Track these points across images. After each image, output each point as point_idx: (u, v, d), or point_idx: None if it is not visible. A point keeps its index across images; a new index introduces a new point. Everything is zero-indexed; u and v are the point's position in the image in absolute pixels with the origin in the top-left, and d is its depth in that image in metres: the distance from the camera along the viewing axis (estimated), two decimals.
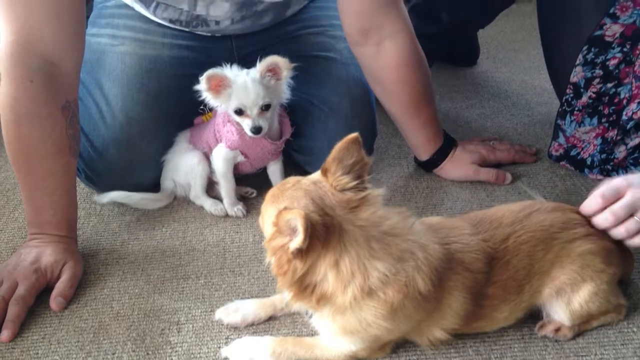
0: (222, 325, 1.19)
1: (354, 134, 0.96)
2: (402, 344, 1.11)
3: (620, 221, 1.08)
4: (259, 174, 1.59)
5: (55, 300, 1.24)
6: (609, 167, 1.54)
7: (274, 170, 1.55)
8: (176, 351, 1.14)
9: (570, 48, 1.55)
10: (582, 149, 1.58)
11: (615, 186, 1.10)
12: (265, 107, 1.39)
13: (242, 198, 1.56)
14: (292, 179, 1.01)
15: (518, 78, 2.17)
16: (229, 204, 1.50)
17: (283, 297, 1.18)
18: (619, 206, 1.08)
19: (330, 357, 1.08)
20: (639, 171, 1.51)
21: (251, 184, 1.58)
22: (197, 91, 1.52)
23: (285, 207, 0.91)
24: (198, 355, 1.13)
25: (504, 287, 1.04)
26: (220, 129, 1.47)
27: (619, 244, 1.11)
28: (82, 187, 1.61)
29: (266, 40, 1.57)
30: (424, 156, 1.58)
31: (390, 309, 0.96)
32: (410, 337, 1.09)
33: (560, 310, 1.07)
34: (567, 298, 1.06)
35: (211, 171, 1.52)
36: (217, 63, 1.57)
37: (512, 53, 2.40)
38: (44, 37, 1.23)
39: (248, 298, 1.24)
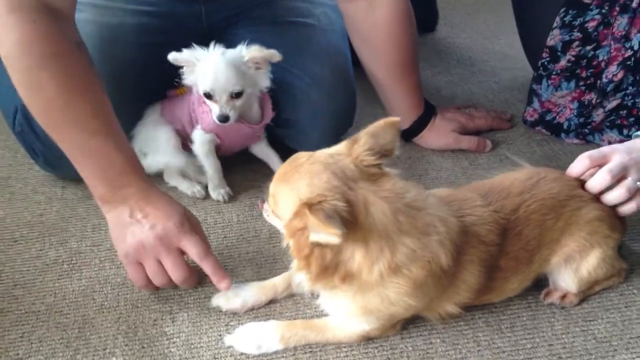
0: (220, 312, 1.12)
1: (396, 119, 0.91)
2: (412, 320, 1.08)
3: (616, 180, 1.07)
4: (237, 155, 1.50)
5: (224, 280, 1.09)
6: (585, 131, 1.56)
7: (260, 148, 1.47)
8: (174, 342, 1.07)
9: (546, 11, 1.54)
10: (558, 113, 1.59)
11: (600, 150, 1.10)
12: (236, 95, 1.29)
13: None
14: (303, 154, 0.95)
15: (478, 43, 2.17)
16: (213, 187, 1.41)
17: (284, 279, 1.14)
18: (613, 165, 1.06)
19: (342, 338, 1.04)
20: (615, 134, 1.53)
21: (232, 165, 1.49)
22: (166, 62, 1.42)
23: (315, 204, 0.82)
24: (198, 345, 1.06)
25: (516, 259, 1.03)
26: (196, 108, 1.38)
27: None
28: (37, 171, 1.49)
29: (238, 6, 1.48)
30: (405, 124, 1.55)
31: (413, 285, 0.92)
32: (421, 313, 1.06)
33: (568, 278, 1.07)
34: (576, 265, 1.06)
35: (192, 153, 1.42)
36: (184, 31, 1.47)
37: (467, 18, 2.39)
38: None
39: (242, 282, 1.17)
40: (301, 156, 0.94)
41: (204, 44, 1.36)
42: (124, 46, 1.42)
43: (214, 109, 1.30)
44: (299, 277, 0.96)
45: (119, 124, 1.13)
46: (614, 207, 1.09)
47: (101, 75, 1.15)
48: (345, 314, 1.00)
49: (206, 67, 1.27)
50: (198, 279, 1.13)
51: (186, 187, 1.44)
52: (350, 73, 1.52)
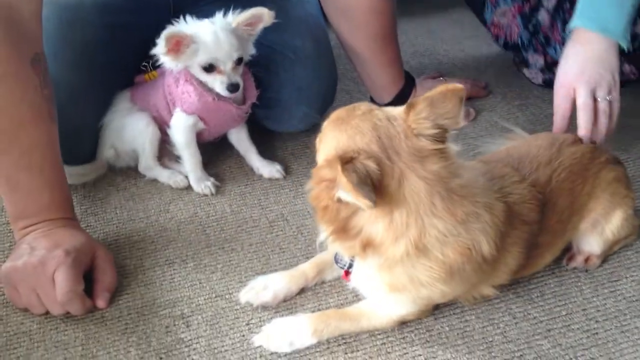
0: (236, 310, 1.03)
1: (461, 86, 0.82)
2: None
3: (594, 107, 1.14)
4: (218, 143, 1.40)
5: (101, 296, 1.02)
6: (542, 40, 1.57)
7: (239, 138, 1.37)
8: (194, 349, 0.97)
9: None
10: (507, 34, 1.62)
11: (563, 94, 1.17)
12: (238, 62, 1.21)
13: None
14: (365, 106, 0.87)
15: (436, 14, 2.14)
16: (195, 179, 1.30)
17: (313, 265, 1.07)
18: (583, 100, 1.14)
19: (378, 325, 0.98)
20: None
21: (211, 154, 1.39)
22: (133, 44, 1.30)
23: (344, 161, 0.77)
24: (222, 349, 0.97)
25: (552, 233, 1.01)
26: (173, 90, 1.26)
27: None
28: None
29: None
30: (387, 98, 1.49)
31: (448, 271, 0.88)
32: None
33: (594, 241, 1.07)
34: (601, 228, 1.05)
35: (169, 142, 1.31)
36: (150, 9, 1.35)
37: None
38: None
39: (252, 275, 1.09)
40: (359, 108, 0.87)
41: (171, 22, 1.25)
42: (84, 28, 1.29)
43: (220, 81, 1.20)
44: (322, 235, 0.90)
45: (58, 155, 1.09)
46: None
47: (53, 100, 1.09)
48: (375, 289, 0.94)
49: (205, 37, 1.17)
50: (84, 304, 1.01)
51: (167, 177, 1.33)
52: (329, 45, 1.45)
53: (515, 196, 0.96)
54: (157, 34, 1.31)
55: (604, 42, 1.15)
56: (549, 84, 1.67)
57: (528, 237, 0.97)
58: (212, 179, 1.32)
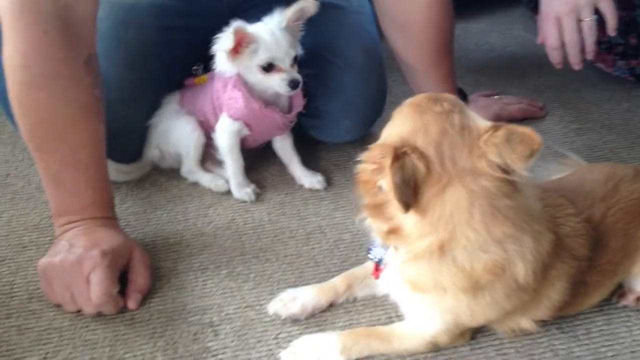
0: (266, 322, 1.01)
1: (540, 141, 0.79)
2: (480, 328, 0.99)
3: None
4: (262, 150, 1.39)
5: (133, 297, 1.03)
6: None
7: (283, 146, 1.35)
8: (220, 359, 0.95)
9: None
10: None
11: (549, 27, 1.27)
12: (294, 59, 1.20)
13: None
14: (447, 104, 0.84)
15: (495, 28, 2.08)
16: (236, 185, 1.29)
17: (343, 280, 1.05)
18: (569, 35, 1.24)
19: (408, 346, 0.94)
20: None
21: (254, 160, 1.38)
22: (186, 48, 1.30)
23: (397, 155, 0.77)
24: None
25: (602, 273, 0.95)
26: (221, 95, 1.26)
27: None
28: None
29: None
30: None
31: (473, 283, 0.84)
32: (491, 324, 0.97)
33: None
34: None
35: (213, 147, 1.30)
36: (205, 14, 1.36)
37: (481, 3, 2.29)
38: None
39: (284, 287, 1.07)
40: (443, 105, 0.83)
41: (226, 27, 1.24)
42: (139, 29, 1.30)
43: (280, 78, 1.19)
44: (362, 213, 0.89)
45: (103, 155, 1.10)
46: None
47: (103, 100, 1.10)
48: (397, 289, 0.92)
49: (264, 36, 1.16)
50: (117, 306, 1.01)
51: (208, 181, 1.32)
52: (382, 57, 1.42)
53: (567, 228, 0.92)
54: (210, 38, 1.31)
55: None
56: None
57: (575, 274, 0.91)
58: (253, 186, 1.31)
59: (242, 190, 1.29)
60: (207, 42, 1.36)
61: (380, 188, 0.82)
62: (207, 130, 1.30)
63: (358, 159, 0.84)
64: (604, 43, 1.60)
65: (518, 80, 1.75)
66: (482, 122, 0.83)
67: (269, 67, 1.19)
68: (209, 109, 1.28)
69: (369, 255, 0.96)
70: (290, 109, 1.29)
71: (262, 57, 1.17)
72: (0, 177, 1.37)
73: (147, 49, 1.30)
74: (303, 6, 1.18)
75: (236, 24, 1.14)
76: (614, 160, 1.40)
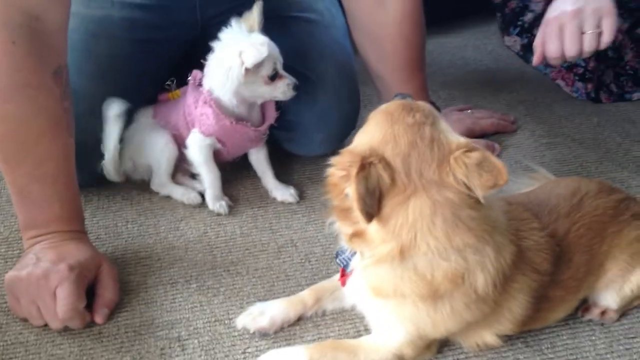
0: (234, 337, 1.01)
1: (505, 179, 0.81)
2: (447, 342, 0.99)
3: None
4: (236, 163, 1.38)
5: (100, 312, 1.02)
6: None
7: (258, 158, 1.35)
8: None
9: None
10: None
11: (550, 32, 1.22)
12: None
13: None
14: (419, 115, 0.85)
15: (470, 43, 2.10)
16: (211, 197, 1.29)
17: (312, 293, 1.06)
18: (569, 45, 1.19)
19: (376, 359, 0.94)
20: None
21: (228, 174, 1.37)
22: (157, 58, 1.30)
23: (363, 165, 0.80)
24: None
25: (565, 288, 0.97)
26: (192, 111, 1.26)
27: None
28: None
29: None
30: None
31: (432, 291, 0.86)
32: (455, 338, 0.98)
33: (610, 297, 1.02)
34: (619, 286, 1.01)
35: (186, 161, 1.30)
36: (177, 26, 1.36)
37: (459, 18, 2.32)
38: None
39: (254, 301, 1.07)
40: (415, 117, 0.85)
41: (198, 41, 1.25)
42: (110, 41, 1.30)
43: (285, 84, 1.22)
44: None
45: (72, 168, 1.09)
46: None
47: (72, 113, 1.10)
48: (360, 294, 0.93)
49: (261, 46, 1.16)
50: (83, 320, 1.01)
51: (180, 194, 1.32)
52: (354, 71, 1.43)
53: (530, 242, 0.93)
54: (183, 50, 1.31)
55: None
56: (524, 52, 1.87)
57: (537, 287, 0.93)
58: (226, 198, 1.31)
59: (216, 203, 1.29)
60: (178, 55, 1.37)
61: (347, 195, 0.83)
62: (180, 144, 1.30)
63: (329, 162, 0.85)
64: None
65: (491, 95, 1.77)
66: (454, 137, 0.85)
67: (274, 76, 1.20)
68: (182, 123, 1.28)
69: (337, 260, 0.97)
70: (262, 122, 1.30)
71: (268, 68, 1.19)
72: None
73: (118, 61, 1.29)
74: (260, 9, 1.19)
75: (251, 56, 1.14)
76: (583, 174, 1.42)
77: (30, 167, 1.05)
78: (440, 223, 0.82)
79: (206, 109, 1.23)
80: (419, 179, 0.82)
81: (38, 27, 1.02)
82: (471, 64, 1.97)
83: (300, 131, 1.36)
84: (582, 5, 1.17)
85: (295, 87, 1.23)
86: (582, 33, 1.19)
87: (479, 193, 0.82)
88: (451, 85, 1.83)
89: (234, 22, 1.20)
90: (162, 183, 1.33)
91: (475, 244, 0.85)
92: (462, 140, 0.85)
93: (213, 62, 1.21)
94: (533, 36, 1.62)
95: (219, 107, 1.23)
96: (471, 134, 1.51)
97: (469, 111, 1.61)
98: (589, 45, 1.19)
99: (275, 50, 1.21)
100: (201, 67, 1.25)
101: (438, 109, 1.48)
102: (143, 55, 1.33)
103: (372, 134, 0.85)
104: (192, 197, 1.31)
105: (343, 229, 0.89)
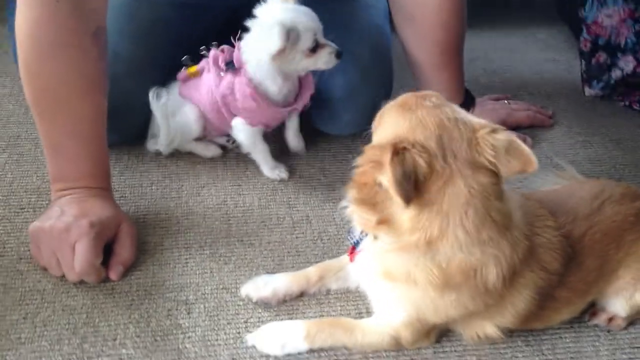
0: (238, 306, 1.04)
1: (535, 168, 0.81)
2: (446, 334, 1.00)
3: None
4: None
5: (115, 269, 1.07)
6: None
7: (290, 126, 1.36)
8: (189, 337, 0.99)
9: None
10: (611, 35, 1.55)
11: None
12: None
13: (223, 148, 1.39)
14: (436, 98, 0.86)
15: (519, 31, 2.05)
16: (268, 169, 1.32)
17: (317, 270, 1.07)
18: None
19: (372, 341, 0.96)
20: None
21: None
22: (197, 24, 1.31)
23: (396, 150, 0.78)
24: (215, 343, 0.98)
25: (573, 290, 0.95)
26: (229, 101, 1.25)
27: None
28: None
29: None
30: None
31: (444, 281, 0.86)
32: (455, 327, 0.98)
33: (619, 304, 1.00)
34: (629, 294, 0.99)
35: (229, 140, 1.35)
36: None
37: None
38: None
39: (262, 273, 1.09)
40: (432, 100, 0.85)
41: (241, 7, 1.25)
42: (152, 5, 1.34)
43: (328, 52, 1.20)
44: (346, 200, 0.90)
45: (104, 128, 1.13)
46: None
47: (107, 73, 1.14)
48: (369, 273, 0.94)
49: (299, 19, 1.16)
50: (99, 276, 1.05)
51: (202, 149, 1.36)
52: (389, 54, 1.42)
53: (542, 239, 0.92)
54: (225, 16, 1.31)
55: None
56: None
57: (544, 285, 0.92)
58: (283, 165, 1.34)
59: (275, 171, 1.32)
60: (220, 21, 1.38)
61: (380, 185, 0.82)
62: (206, 119, 1.31)
63: (354, 164, 0.85)
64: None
65: (533, 86, 1.73)
66: (472, 117, 0.85)
67: (315, 47, 1.18)
68: (205, 102, 1.28)
69: (348, 237, 0.98)
70: (295, 99, 1.30)
71: (307, 40, 1.17)
72: (11, 138, 1.41)
73: (159, 25, 1.32)
74: None
75: (279, 25, 1.12)
76: (616, 177, 1.38)
77: (64, 123, 1.09)
78: (472, 214, 0.82)
79: (249, 103, 1.22)
80: (454, 162, 0.81)
81: None
82: (518, 51, 1.92)
83: (330, 109, 1.37)
84: None
85: (338, 54, 1.21)
86: None
87: (505, 175, 0.82)
88: (494, 72, 1.80)
89: None
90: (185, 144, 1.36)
91: (498, 237, 0.85)
92: (482, 120, 0.85)
93: (250, 44, 1.21)
94: (617, 96, 1.60)
95: (263, 95, 1.22)
96: (504, 124, 1.43)
97: (505, 101, 1.58)
98: None
99: (314, 21, 1.19)
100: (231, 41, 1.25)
101: (473, 97, 1.48)
102: (183, 20, 1.35)
103: (395, 125, 0.84)
104: (212, 150, 1.36)
105: (365, 216, 0.87)
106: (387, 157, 0.77)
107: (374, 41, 1.37)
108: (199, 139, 1.37)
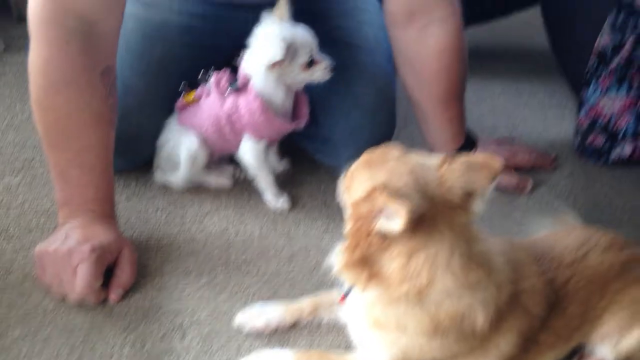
0: (231, 333, 1.07)
1: (499, 164, 0.84)
2: None
3: None
4: None
5: (114, 291, 1.11)
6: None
7: (269, 151, 1.41)
8: None
9: (592, 17, 1.50)
10: (610, 120, 1.54)
11: None
12: None
13: (235, 181, 1.43)
14: (397, 149, 0.88)
15: (528, 74, 2.08)
16: (272, 195, 1.37)
17: (311, 302, 1.10)
18: None
19: None
20: None
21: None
22: (207, 63, 1.37)
23: (389, 189, 0.79)
24: None
25: (556, 335, 0.97)
26: (235, 119, 1.29)
27: None
28: None
29: None
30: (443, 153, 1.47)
31: (434, 328, 0.87)
32: None
33: (605, 350, 1.01)
34: (615, 340, 1.00)
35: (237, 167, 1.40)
36: (228, 33, 1.42)
37: (517, 44, 2.30)
38: None
39: (257, 301, 1.12)
40: (393, 150, 0.88)
41: (244, 47, 1.31)
42: (164, 45, 1.38)
43: (323, 67, 1.27)
44: (334, 259, 0.89)
45: (109, 158, 1.19)
46: None
47: (116, 109, 1.20)
48: (358, 322, 0.95)
49: (297, 35, 1.23)
50: (98, 298, 1.10)
51: (213, 180, 1.41)
52: (393, 96, 1.46)
53: (525, 284, 0.94)
54: (231, 56, 1.37)
55: None
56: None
57: (527, 330, 0.93)
58: (285, 193, 1.38)
59: (279, 200, 1.36)
60: (227, 60, 1.44)
61: (378, 231, 0.81)
62: (209, 144, 1.36)
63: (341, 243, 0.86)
64: None
65: (538, 131, 1.75)
66: (433, 158, 0.87)
67: (311, 62, 1.25)
68: (208, 125, 1.32)
69: (339, 286, 0.99)
70: (293, 118, 1.36)
71: (304, 56, 1.24)
72: (26, 161, 1.47)
73: (170, 63, 1.37)
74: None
75: (281, 35, 1.20)
76: (614, 223, 1.39)
77: (72, 154, 1.14)
78: (458, 258, 0.83)
79: (257, 116, 1.27)
80: (433, 205, 0.82)
81: (91, 31, 1.11)
82: (524, 94, 1.95)
83: (331, 146, 1.41)
84: None
85: (332, 69, 1.28)
86: None
87: (485, 187, 0.83)
88: (499, 114, 1.83)
89: (264, 16, 1.26)
90: (192, 178, 1.39)
91: (484, 280, 0.86)
92: (438, 156, 0.87)
93: (251, 57, 1.27)
94: None
95: (269, 108, 1.27)
96: (505, 167, 1.51)
97: (509, 144, 1.60)
98: None
99: (309, 38, 1.25)
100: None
101: (474, 138, 1.51)
102: (193, 59, 1.40)
103: (370, 179, 0.84)
104: (223, 181, 1.41)
105: (354, 275, 0.86)
106: (382, 198, 0.78)
107: (377, 82, 1.40)
108: (208, 168, 1.41)
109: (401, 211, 0.76)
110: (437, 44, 1.30)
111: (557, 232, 1.12)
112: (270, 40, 1.21)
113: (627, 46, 1.44)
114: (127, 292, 1.13)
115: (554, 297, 0.96)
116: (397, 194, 0.78)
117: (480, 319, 0.87)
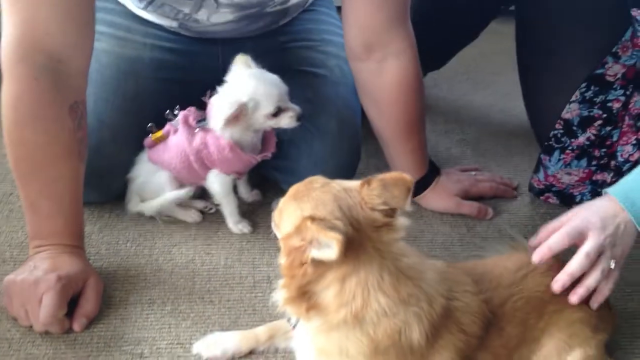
0: None
1: (410, 179, 0.90)
2: None
3: (592, 263, 1.04)
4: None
5: (78, 321, 1.15)
6: None
7: (239, 183, 1.49)
8: None
9: (563, 84, 1.51)
10: (566, 189, 1.56)
11: (576, 226, 1.05)
12: None
13: (202, 213, 1.48)
14: (320, 180, 0.94)
15: (498, 104, 2.14)
16: (233, 222, 1.43)
17: (266, 330, 1.13)
18: (590, 248, 1.02)
19: None
20: None
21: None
22: (179, 97, 1.43)
23: (318, 219, 0.84)
24: None
25: (494, 355, 1.00)
26: (205, 156, 1.35)
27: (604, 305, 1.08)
28: None
29: (255, 49, 1.47)
30: None
31: (374, 349, 0.91)
32: None
33: None
34: None
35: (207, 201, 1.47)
36: (200, 69, 1.49)
37: (491, 77, 2.36)
38: (51, 32, 1.13)
39: (218, 330, 1.16)
40: (316, 181, 0.93)
41: (218, 81, 1.36)
42: (138, 79, 1.44)
43: (289, 116, 1.32)
44: (277, 295, 0.94)
45: (79, 189, 1.22)
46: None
47: (85, 142, 1.24)
48: (305, 351, 0.98)
49: (261, 89, 1.29)
50: (62, 327, 1.13)
51: (182, 215, 1.45)
52: (357, 127, 1.51)
53: (460, 303, 0.97)
54: (203, 91, 1.43)
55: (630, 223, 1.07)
56: None
57: (463, 348, 0.96)
58: (246, 220, 1.44)
59: (239, 225, 1.42)
60: (199, 95, 1.50)
61: (311, 261, 0.84)
62: (179, 179, 1.42)
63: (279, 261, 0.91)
64: None
65: (503, 158, 1.80)
66: (353, 183, 0.92)
67: (277, 111, 1.30)
68: (177, 162, 1.37)
69: (287, 320, 1.03)
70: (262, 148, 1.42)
71: (268, 107, 1.29)
72: (4, 195, 1.52)
73: (144, 97, 1.43)
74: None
75: (223, 109, 1.26)
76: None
77: (41, 185, 1.19)
78: (387, 277, 0.87)
79: (225, 154, 1.33)
80: (360, 228, 0.87)
81: (60, 68, 1.16)
82: (494, 125, 2.01)
83: (297, 176, 1.42)
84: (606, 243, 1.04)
85: (299, 117, 1.32)
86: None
87: (402, 204, 0.89)
88: (467, 143, 1.88)
89: (234, 63, 1.32)
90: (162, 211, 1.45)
91: (415, 293, 0.90)
92: (357, 182, 0.92)
93: (213, 109, 1.33)
94: None
95: (238, 145, 1.33)
96: (467, 194, 1.56)
97: (473, 173, 1.65)
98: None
99: (277, 88, 1.30)
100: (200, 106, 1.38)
101: (437, 168, 1.56)
102: (167, 94, 1.46)
103: (298, 211, 0.89)
104: (192, 215, 1.45)
105: (295, 308, 0.91)
106: (312, 229, 0.82)
107: (341, 115, 1.46)
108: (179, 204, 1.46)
109: (333, 241, 0.81)
110: (393, 77, 1.37)
111: (498, 256, 1.15)
112: (225, 99, 1.28)
113: (597, 123, 1.47)
114: (92, 322, 1.17)
115: (491, 316, 0.99)
116: (326, 224, 0.83)
117: (415, 333, 0.90)
